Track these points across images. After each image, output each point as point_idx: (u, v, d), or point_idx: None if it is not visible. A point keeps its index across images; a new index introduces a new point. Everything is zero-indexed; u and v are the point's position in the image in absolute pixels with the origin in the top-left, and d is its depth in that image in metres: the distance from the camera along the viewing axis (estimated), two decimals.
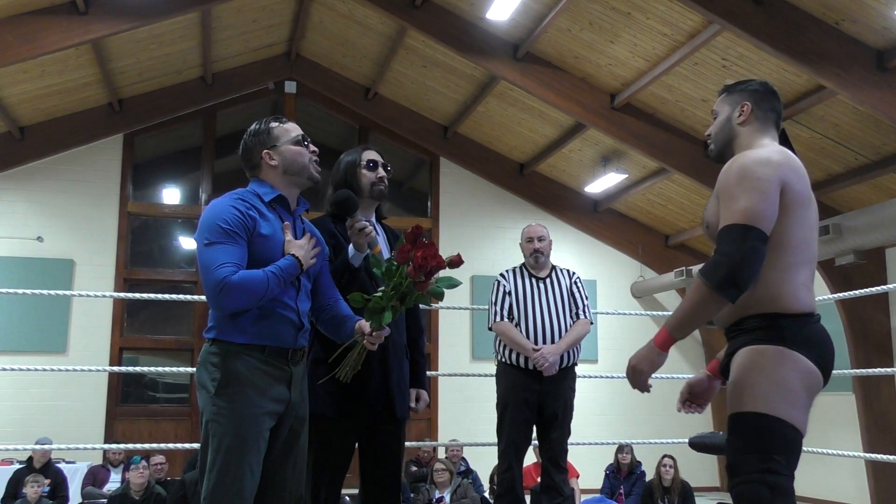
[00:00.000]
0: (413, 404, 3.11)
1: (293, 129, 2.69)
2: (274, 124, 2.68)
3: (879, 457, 4.56)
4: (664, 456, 7.73)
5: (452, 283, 2.66)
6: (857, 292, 5.51)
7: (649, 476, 8.09)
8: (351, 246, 2.90)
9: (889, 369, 6.89)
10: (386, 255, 3.02)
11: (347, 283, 2.87)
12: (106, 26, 8.22)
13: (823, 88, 7.51)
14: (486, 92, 10.13)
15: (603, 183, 11.02)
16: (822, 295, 5.74)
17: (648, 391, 2.41)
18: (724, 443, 5.17)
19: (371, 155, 3.11)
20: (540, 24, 8.50)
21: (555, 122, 10.41)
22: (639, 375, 2.36)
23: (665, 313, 10.77)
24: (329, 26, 10.27)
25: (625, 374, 2.40)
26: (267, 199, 2.58)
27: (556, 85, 9.33)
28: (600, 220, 11.97)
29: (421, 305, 2.76)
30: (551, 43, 8.90)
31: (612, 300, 11.68)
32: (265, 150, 2.63)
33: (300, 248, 2.48)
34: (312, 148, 2.69)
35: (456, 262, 2.67)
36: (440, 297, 2.64)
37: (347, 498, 6.60)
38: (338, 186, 3.10)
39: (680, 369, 11.71)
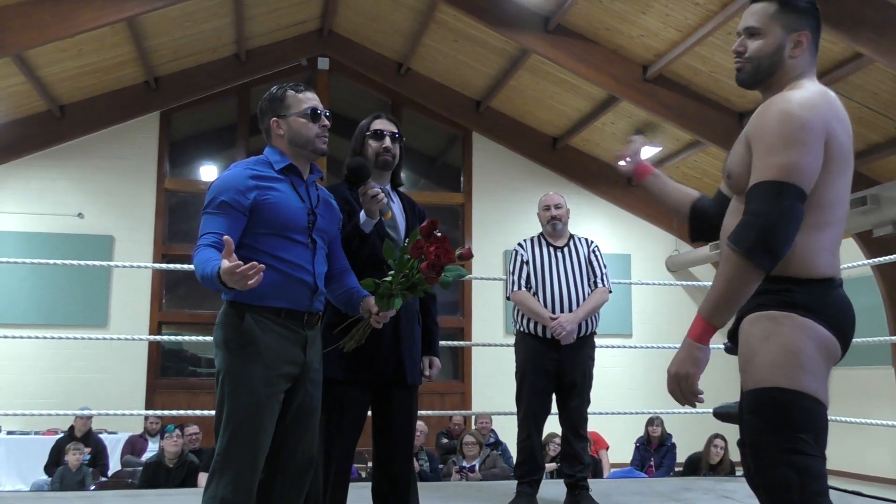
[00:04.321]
0: (426, 372, 3.15)
1: (306, 101, 2.65)
2: (290, 93, 2.65)
3: None
4: (715, 436, 7.67)
5: (460, 274, 2.71)
6: (893, 257, 5.31)
7: (681, 449, 8.06)
8: (363, 212, 2.93)
9: None
10: (400, 222, 3.06)
11: (358, 249, 2.90)
12: (140, 4, 8.34)
13: (861, 56, 7.34)
14: (517, 66, 10.07)
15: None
16: (858, 262, 5.61)
17: (701, 401, 2.05)
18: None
19: (379, 124, 3.10)
20: None
21: (587, 96, 10.32)
22: (684, 381, 2.04)
23: (700, 284, 10.74)
24: (360, 2, 10.28)
25: (669, 388, 2.08)
26: (278, 168, 2.61)
27: (587, 57, 9.24)
28: (634, 194, 11.86)
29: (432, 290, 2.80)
30: (582, 14, 8.80)
31: (647, 274, 11.59)
32: (274, 119, 2.65)
33: (229, 272, 2.21)
34: (324, 122, 2.65)
35: (466, 255, 2.72)
36: (447, 286, 2.70)
37: (367, 454, 6.66)
38: (352, 153, 3.13)
39: (713, 339, 11.62)
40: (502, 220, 11.43)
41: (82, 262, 5.70)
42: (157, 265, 9.23)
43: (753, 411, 2.03)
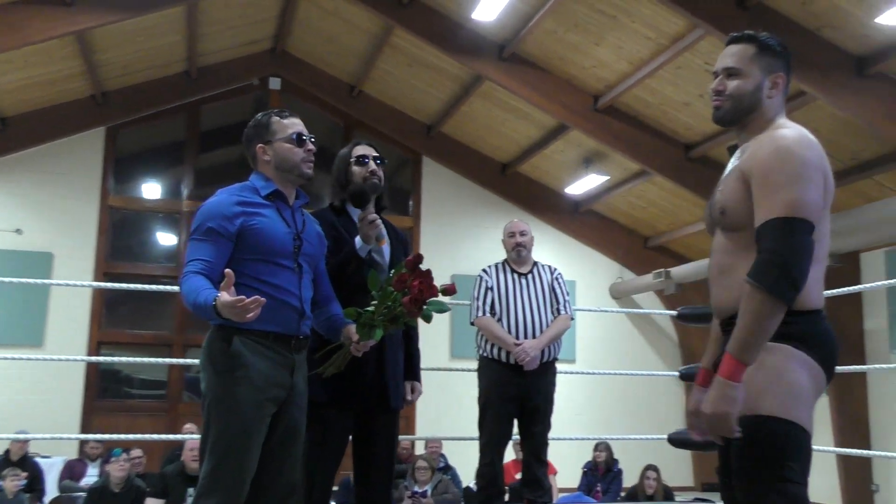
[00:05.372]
0: (409, 396, 3.17)
1: (291, 126, 2.69)
2: (275, 118, 2.71)
3: (851, 451, 4.67)
4: (647, 468, 7.79)
5: (442, 309, 2.74)
6: (832, 292, 5.54)
7: (627, 474, 8.17)
8: (358, 237, 2.95)
9: (862, 367, 6.99)
10: (385, 247, 3.09)
11: (353, 273, 2.92)
12: (92, 18, 8.20)
13: (804, 94, 7.62)
14: (470, 92, 10.17)
15: (584, 184, 11.11)
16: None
17: (740, 435, 2.05)
18: (705, 440, 5.20)
19: (361, 150, 3.15)
20: (526, 24, 8.56)
21: (538, 123, 10.48)
22: (722, 420, 2.02)
23: (642, 311, 10.88)
24: (315, 23, 10.28)
25: (706, 430, 2.08)
26: (264, 194, 2.62)
27: (540, 86, 9.40)
28: (581, 221, 12.06)
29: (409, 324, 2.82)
30: (537, 44, 8.96)
31: (591, 300, 11.76)
32: (259, 144, 2.67)
33: (230, 306, 2.24)
34: (309, 147, 2.69)
35: (450, 291, 2.75)
36: (429, 320, 2.74)
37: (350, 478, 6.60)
38: (333, 182, 3.17)
39: (656, 367, 11.84)
40: (450, 244, 11.48)
41: (19, 280, 5.32)
42: (97, 284, 8.99)
43: (746, 437, 2.07)
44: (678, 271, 11.00)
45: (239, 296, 2.25)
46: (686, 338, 11.93)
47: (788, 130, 2.14)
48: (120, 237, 11.07)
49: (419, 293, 2.57)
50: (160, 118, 11.10)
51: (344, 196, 3.12)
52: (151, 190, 11.42)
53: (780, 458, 2.02)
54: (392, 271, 2.73)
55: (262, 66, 11.10)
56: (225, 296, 2.25)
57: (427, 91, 10.76)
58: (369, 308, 2.67)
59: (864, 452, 6.78)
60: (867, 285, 7.34)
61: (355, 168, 3.12)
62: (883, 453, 5.01)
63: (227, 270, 2.31)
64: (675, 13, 7.43)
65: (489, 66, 9.26)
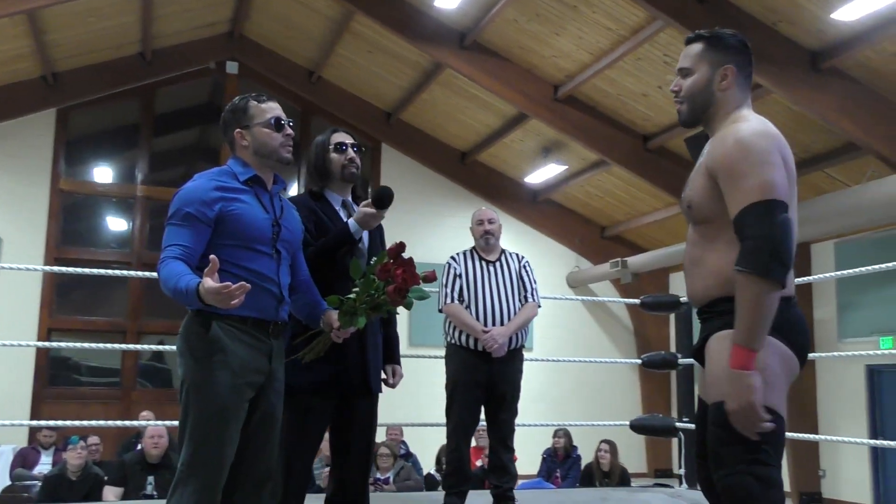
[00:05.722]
0: (390, 380, 3.17)
1: (269, 111, 2.66)
2: (252, 103, 2.66)
3: (801, 436, 4.80)
4: (601, 441, 7.92)
5: (423, 296, 2.76)
6: None
7: (585, 460, 8.27)
8: (353, 220, 2.97)
9: (811, 355, 7.18)
10: (365, 235, 3.09)
11: (346, 254, 2.93)
12: None
13: (759, 87, 7.76)
14: (430, 79, 10.16)
15: (543, 174, 11.18)
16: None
17: (769, 426, 2.03)
18: (665, 425, 5.29)
19: (340, 137, 3.14)
20: (487, 13, 8.57)
21: (498, 112, 10.51)
22: (750, 410, 2.02)
23: (598, 299, 11.00)
24: (274, 7, 10.15)
25: (736, 425, 2.05)
26: (242, 179, 2.59)
27: (500, 74, 9.43)
28: (539, 211, 12.14)
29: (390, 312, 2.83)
30: (498, 33, 8.98)
31: (549, 289, 11.84)
32: (238, 129, 2.64)
33: (214, 292, 2.21)
34: (288, 132, 2.66)
35: (430, 277, 2.77)
36: (410, 308, 2.74)
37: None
38: (310, 169, 3.15)
39: (611, 355, 12.00)
40: (410, 231, 11.39)
41: None
42: (48, 268, 8.78)
43: (719, 423, 2.12)
44: (634, 261, 11.15)
45: (224, 282, 2.22)
46: (641, 326, 12.12)
47: (745, 123, 2.18)
48: (71, 222, 10.84)
49: (403, 282, 2.57)
50: (114, 101, 10.88)
51: (322, 183, 3.10)
52: (104, 174, 11.20)
53: (755, 441, 2.06)
54: (374, 259, 2.73)
55: (219, 49, 10.94)
56: (209, 282, 2.22)
57: (387, 78, 10.71)
58: (351, 295, 2.66)
59: (813, 437, 6.97)
60: (817, 276, 7.51)
61: (334, 155, 3.10)
62: (831, 438, 5.15)
63: (212, 256, 2.29)
64: (635, 5, 7.50)
65: (450, 54, 9.26)
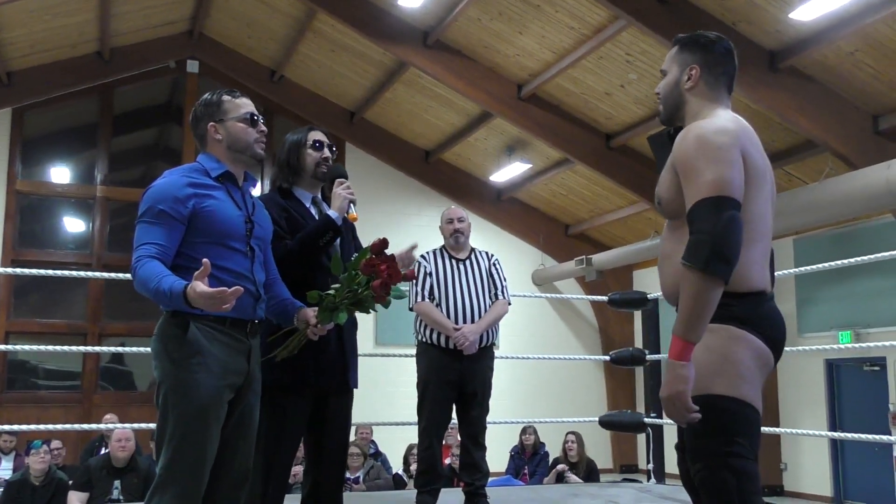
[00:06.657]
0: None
1: (243, 106, 2.63)
2: (226, 98, 2.62)
3: (763, 429, 4.88)
4: (568, 433, 7.97)
5: (400, 295, 2.76)
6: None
7: (552, 456, 8.32)
8: (331, 210, 2.97)
9: None
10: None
11: (328, 244, 2.91)
12: None
13: None
14: (394, 78, 10.14)
15: (507, 172, 11.23)
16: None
17: (698, 416, 2.08)
18: (634, 421, 5.33)
19: (317, 135, 3.12)
20: (451, 12, 8.58)
21: (461, 111, 10.53)
22: (679, 399, 2.06)
23: (566, 296, 11.09)
24: (235, 5, 10.06)
25: (666, 414, 2.13)
26: (214, 175, 2.55)
27: (464, 73, 9.44)
28: (503, 209, 12.19)
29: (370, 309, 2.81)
30: (461, 31, 8.99)
31: (514, 287, 11.60)
32: (211, 123, 2.60)
33: (208, 296, 2.17)
34: (261, 128, 2.63)
35: (410, 276, 2.79)
36: (387, 305, 2.73)
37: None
38: (282, 166, 3.12)
39: (576, 352, 12.10)
40: (375, 230, 11.18)
41: None
42: (4, 270, 8.61)
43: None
44: (599, 258, 11.25)
45: (220, 287, 2.19)
46: (606, 323, 12.23)
47: (707, 120, 2.22)
48: (28, 223, 10.66)
49: (388, 277, 2.55)
50: (71, 100, 10.70)
51: (292, 179, 3.08)
52: (62, 174, 11.01)
53: (730, 434, 2.09)
54: (355, 255, 2.71)
55: (179, 48, 10.81)
56: (201, 286, 2.17)
57: (350, 77, 10.67)
58: (331, 291, 2.64)
59: (775, 430, 7.09)
60: (777, 273, 7.66)
61: (310, 151, 3.09)
62: (792, 430, 5.25)
63: (204, 260, 2.24)
64: (598, 4, 7.57)
65: (413, 53, 9.25)
